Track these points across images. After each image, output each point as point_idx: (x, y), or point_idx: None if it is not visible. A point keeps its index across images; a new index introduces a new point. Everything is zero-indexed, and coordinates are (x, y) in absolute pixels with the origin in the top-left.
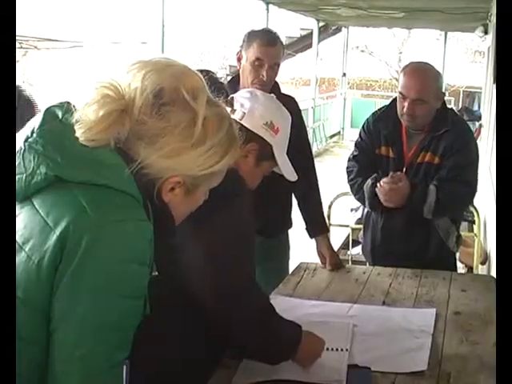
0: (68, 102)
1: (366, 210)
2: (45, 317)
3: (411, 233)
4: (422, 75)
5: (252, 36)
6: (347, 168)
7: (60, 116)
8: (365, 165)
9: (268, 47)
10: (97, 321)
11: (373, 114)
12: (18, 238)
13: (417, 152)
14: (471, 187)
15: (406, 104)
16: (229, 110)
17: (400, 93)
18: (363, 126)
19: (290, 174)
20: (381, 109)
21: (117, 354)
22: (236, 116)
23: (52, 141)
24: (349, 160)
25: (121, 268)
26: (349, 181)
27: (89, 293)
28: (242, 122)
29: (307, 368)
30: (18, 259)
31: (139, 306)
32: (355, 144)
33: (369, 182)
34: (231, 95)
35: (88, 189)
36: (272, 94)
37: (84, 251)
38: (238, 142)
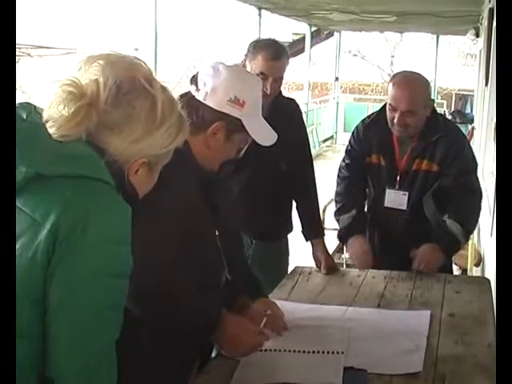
0: (28, 103)
1: None
2: (40, 309)
3: (408, 245)
4: (411, 86)
5: (257, 47)
6: (338, 176)
7: (25, 116)
8: (355, 174)
9: (273, 61)
10: (95, 303)
11: (362, 121)
12: None
13: (410, 159)
14: (479, 193)
15: (396, 115)
16: (194, 88)
17: (390, 104)
18: (353, 134)
19: (265, 139)
20: (370, 116)
21: (113, 333)
22: (199, 96)
23: (25, 140)
24: (341, 168)
25: (112, 250)
26: (336, 194)
27: (85, 277)
28: (205, 102)
29: (232, 355)
30: None
31: (127, 285)
32: (346, 152)
33: (346, 219)
34: (196, 72)
35: (69, 181)
36: (237, 64)
37: (77, 240)
38: (186, 119)
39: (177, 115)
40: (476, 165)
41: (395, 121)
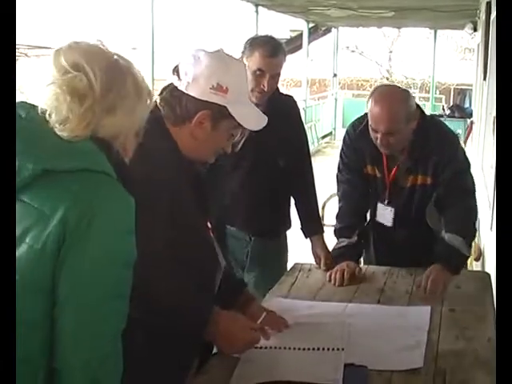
0: (24, 102)
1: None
2: (49, 300)
3: (414, 251)
4: (389, 105)
5: (254, 44)
6: (339, 191)
7: (23, 115)
8: (358, 189)
9: (270, 58)
10: (102, 293)
11: (352, 126)
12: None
13: (399, 174)
14: (472, 193)
15: (378, 136)
16: (176, 79)
17: (370, 125)
18: (345, 141)
19: (254, 124)
20: (361, 121)
21: (120, 324)
22: (181, 87)
23: (28, 138)
24: (340, 182)
25: (119, 239)
26: (338, 212)
27: (93, 267)
28: (188, 92)
29: (228, 352)
30: (18, 252)
31: (131, 276)
32: (343, 163)
33: (345, 242)
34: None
35: (74, 175)
36: (218, 50)
37: (84, 231)
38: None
39: (145, 79)
40: (469, 165)
41: (378, 141)
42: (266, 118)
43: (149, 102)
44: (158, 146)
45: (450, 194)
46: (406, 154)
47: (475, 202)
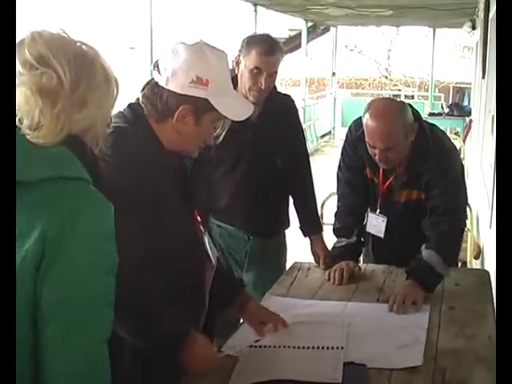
0: None
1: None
2: (30, 315)
3: (413, 252)
4: (386, 121)
5: (251, 43)
6: (338, 189)
7: None
8: (358, 191)
9: (267, 56)
10: (87, 300)
11: (355, 125)
12: None
13: (397, 188)
14: (462, 212)
15: (375, 151)
16: (156, 73)
17: (367, 141)
18: (347, 140)
19: (238, 115)
20: (361, 124)
21: (107, 329)
22: (161, 82)
23: None
24: (340, 180)
25: (101, 246)
26: (338, 211)
27: (77, 276)
28: (168, 87)
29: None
30: None
31: (114, 282)
32: (343, 160)
33: (344, 242)
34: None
35: (51, 184)
36: (198, 42)
37: (66, 242)
38: None
39: (110, 66)
40: (463, 178)
41: (376, 157)
42: (252, 107)
43: (116, 91)
44: (142, 145)
45: (436, 210)
46: (403, 167)
47: (462, 219)
